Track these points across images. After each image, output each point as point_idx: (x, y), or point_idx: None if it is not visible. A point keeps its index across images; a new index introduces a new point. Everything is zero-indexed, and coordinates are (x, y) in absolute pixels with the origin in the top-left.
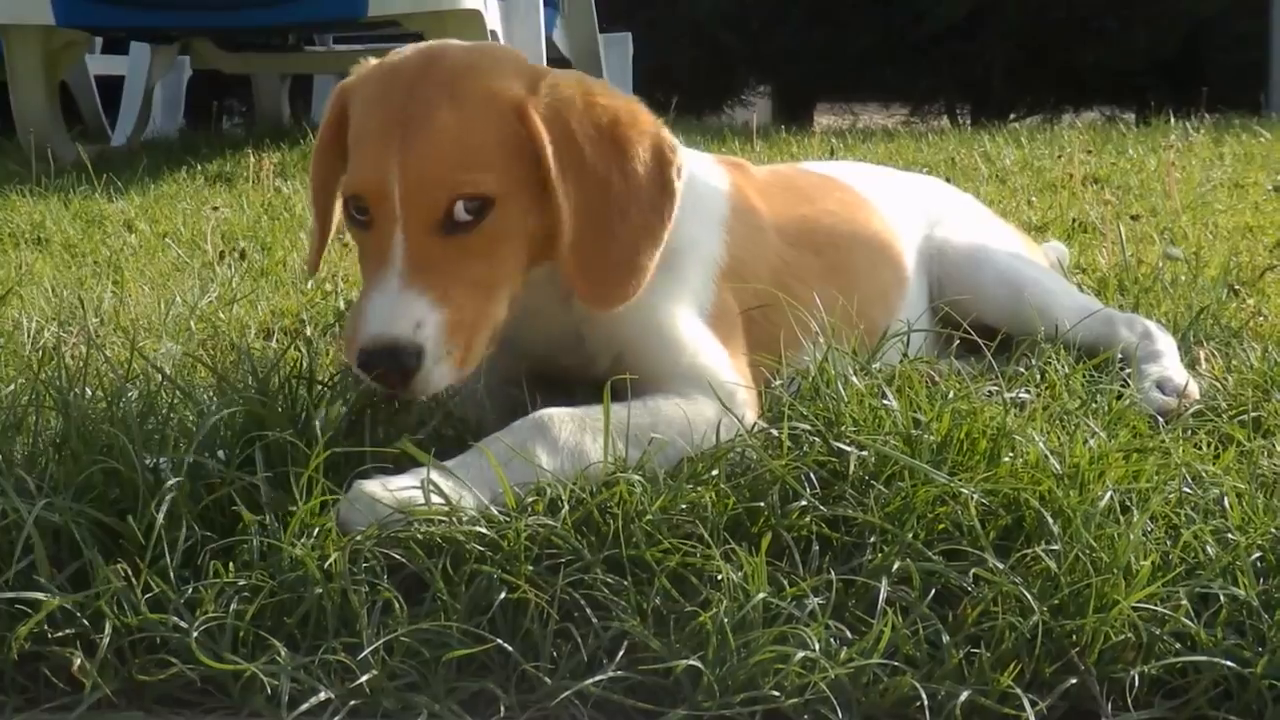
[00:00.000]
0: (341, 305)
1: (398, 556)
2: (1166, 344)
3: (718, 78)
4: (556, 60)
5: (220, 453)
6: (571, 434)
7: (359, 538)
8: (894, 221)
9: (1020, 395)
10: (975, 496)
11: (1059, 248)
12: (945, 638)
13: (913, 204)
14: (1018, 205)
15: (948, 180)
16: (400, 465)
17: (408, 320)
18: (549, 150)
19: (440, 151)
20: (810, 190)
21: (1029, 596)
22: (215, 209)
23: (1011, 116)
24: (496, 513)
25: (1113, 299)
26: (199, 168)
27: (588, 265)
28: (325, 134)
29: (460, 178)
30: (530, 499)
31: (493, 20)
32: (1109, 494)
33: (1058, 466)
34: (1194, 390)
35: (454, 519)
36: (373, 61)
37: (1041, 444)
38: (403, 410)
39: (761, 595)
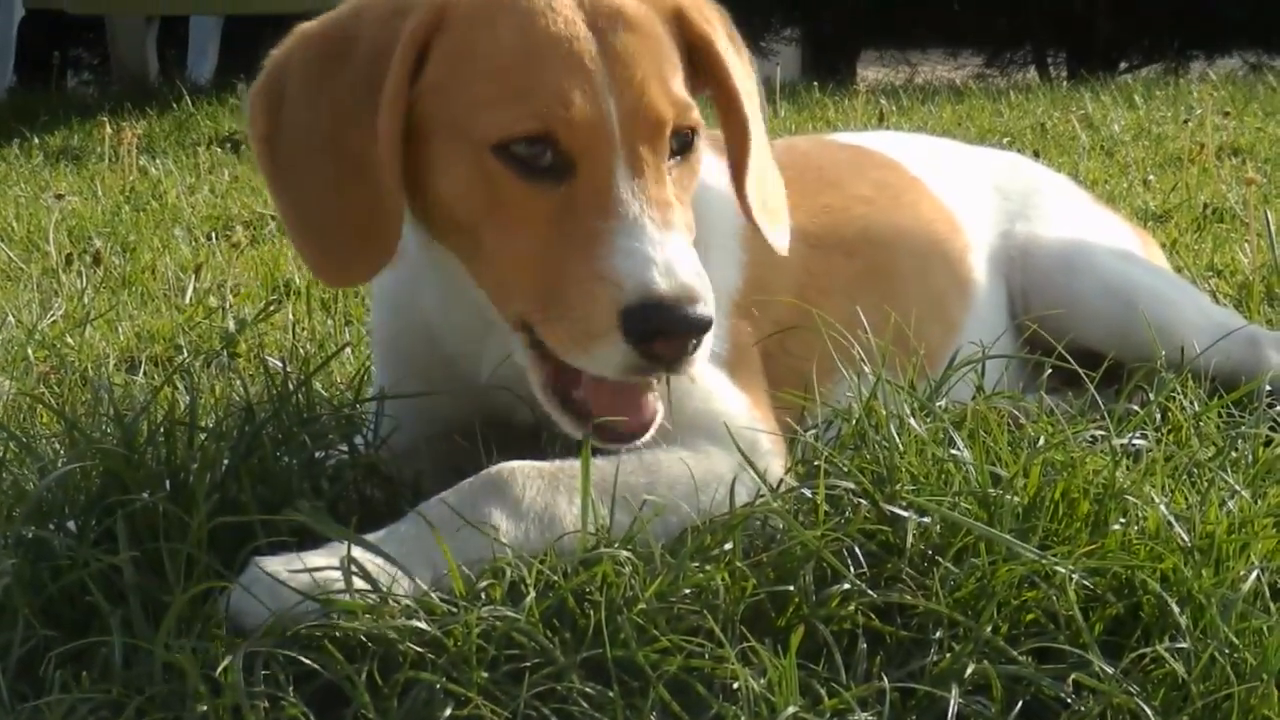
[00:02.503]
0: (230, 325)
1: (308, 661)
2: None
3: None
4: None
5: (70, 524)
6: (539, 494)
7: (258, 636)
8: (955, 209)
9: (1134, 441)
10: (1075, 577)
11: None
12: None
13: (983, 186)
14: (1130, 186)
15: (1035, 156)
16: (312, 539)
17: (692, 266)
18: (726, 57)
19: (653, 59)
20: (835, 171)
21: (1148, 711)
22: (59, 197)
23: (1122, 66)
24: (439, 601)
25: (1258, 311)
26: (36, 140)
27: (758, 193)
28: (398, 83)
29: (684, 101)
30: (485, 583)
31: None
32: (1255, 574)
33: (1185, 537)
34: None
35: (383, 610)
36: None
37: (1164, 507)
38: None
39: (791, 709)
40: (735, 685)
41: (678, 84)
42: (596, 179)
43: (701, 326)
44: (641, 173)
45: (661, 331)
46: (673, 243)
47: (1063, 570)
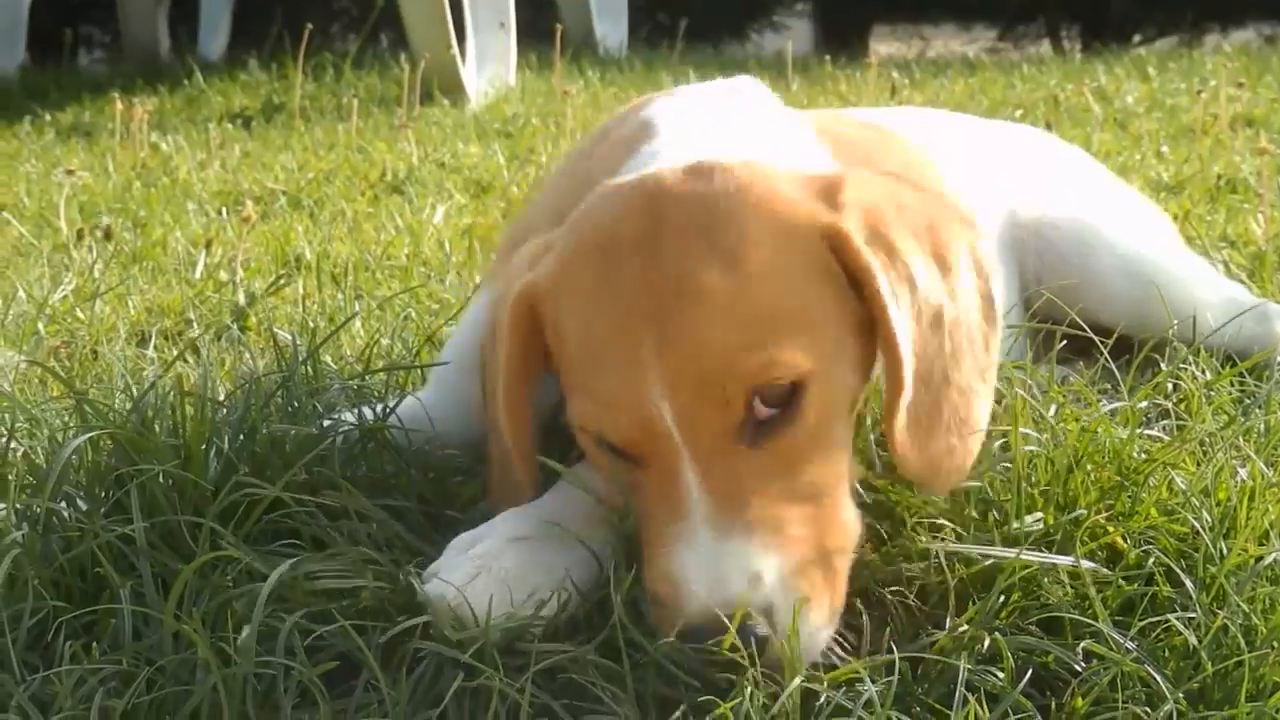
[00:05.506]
0: (240, 299)
1: (318, 629)
2: None
3: None
4: None
5: (79, 498)
6: None
7: (273, 607)
8: (968, 200)
9: (1140, 406)
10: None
11: None
12: None
13: (992, 167)
14: (1143, 158)
15: (1048, 128)
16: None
17: (739, 576)
18: (881, 283)
19: (717, 332)
20: (870, 150)
21: (1159, 679)
22: (70, 173)
23: (1137, 39)
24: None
25: (1270, 283)
26: (47, 118)
27: (923, 430)
28: (512, 361)
29: (754, 361)
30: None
31: None
32: (1268, 541)
33: (1197, 505)
34: None
35: (393, 586)
36: (543, 249)
37: (1179, 478)
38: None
39: (798, 680)
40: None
41: (770, 331)
42: (662, 479)
43: (743, 639)
44: (709, 469)
45: (700, 643)
46: (724, 551)
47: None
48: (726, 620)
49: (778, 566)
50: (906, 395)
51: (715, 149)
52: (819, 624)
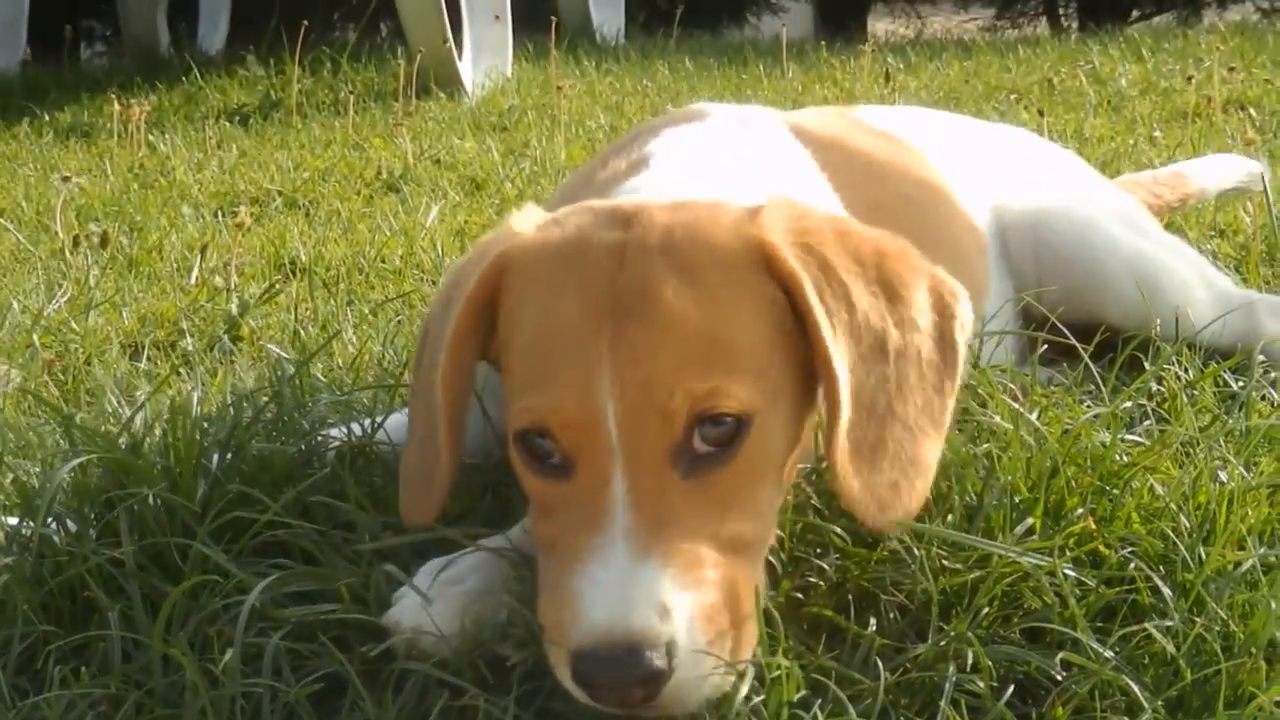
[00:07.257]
0: (234, 308)
1: (304, 652)
2: None
3: None
4: None
5: (69, 519)
6: None
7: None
8: (971, 210)
9: (1124, 408)
10: (1070, 569)
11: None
12: None
13: (988, 169)
14: (1135, 143)
15: (1040, 115)
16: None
17: (647, 603)
18: (809, 291)
19: (671, 343)
20: (877, 167)
21: (1136, 689)
22: (67, 179)
23: (1135, 14)
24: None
25: (1256, 273)
26: (46, 118)
27: (865, 460)
28: (465, 320)
29: (702, 384)
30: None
31: None
32: (1249, 548)
33: (1176, 510)
34: None
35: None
36: (533, 227)
37: (1157, 485)
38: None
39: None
40: None
41: (721, 359)
42: (591, 486)
43: (645, 678)
44: (640, 483)
45: (592, 676)
46: (640, 573)
47: (1055, 554)
48: (627, 648)
49: (689, 605)
50: (845, 415)
51: (702, 191)
52: (712, 680)
